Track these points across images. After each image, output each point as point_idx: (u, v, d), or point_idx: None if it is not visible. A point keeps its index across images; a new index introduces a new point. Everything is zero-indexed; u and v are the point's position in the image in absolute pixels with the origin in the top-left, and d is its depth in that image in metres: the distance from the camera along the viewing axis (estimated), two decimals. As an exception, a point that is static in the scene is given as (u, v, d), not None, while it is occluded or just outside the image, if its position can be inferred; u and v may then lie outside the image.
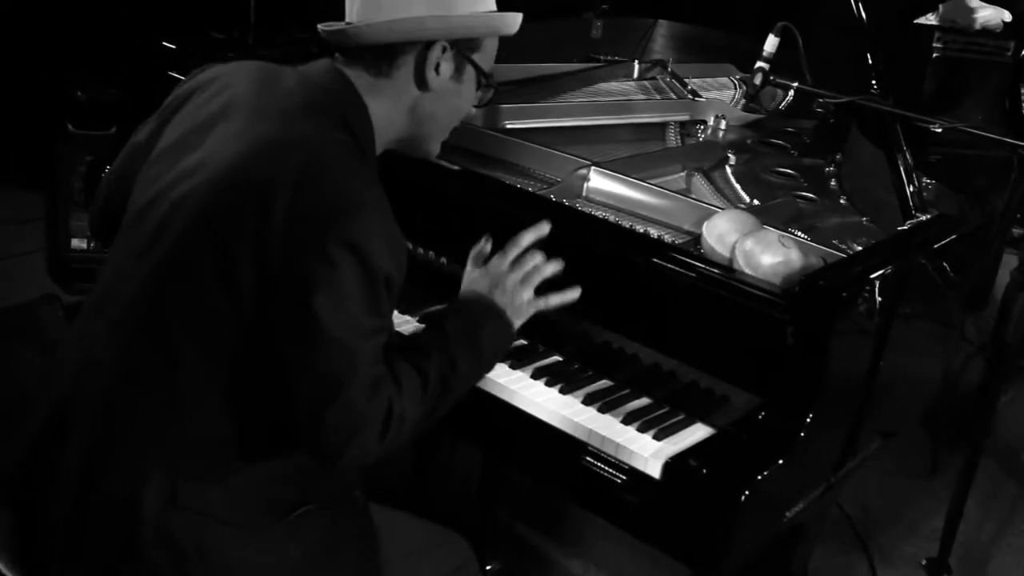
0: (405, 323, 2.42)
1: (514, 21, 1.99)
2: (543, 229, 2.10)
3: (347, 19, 1.93)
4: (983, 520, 3.77)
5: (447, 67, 1.93)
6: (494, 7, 1.98)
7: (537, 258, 2.08)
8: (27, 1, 5.05)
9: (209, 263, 1.75)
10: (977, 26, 4.03)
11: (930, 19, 4.12)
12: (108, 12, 4.92)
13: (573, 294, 2.10)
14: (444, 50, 1.91)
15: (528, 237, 2.09)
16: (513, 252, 2.08)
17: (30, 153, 4.65)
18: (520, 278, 2.06)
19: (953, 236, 2.42)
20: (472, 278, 2.11)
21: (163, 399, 1.79)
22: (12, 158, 5.15)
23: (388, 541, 2.11)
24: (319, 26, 1.96)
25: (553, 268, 2.09)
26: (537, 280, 2.07)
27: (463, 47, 1.94)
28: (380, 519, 2.14)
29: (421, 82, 1.93)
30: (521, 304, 2.05)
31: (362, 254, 1.70)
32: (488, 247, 2.14)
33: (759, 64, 2.55)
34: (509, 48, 3.25)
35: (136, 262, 1.84)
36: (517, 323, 2.05)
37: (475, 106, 2.09)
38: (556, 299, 2.09)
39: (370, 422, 1.76)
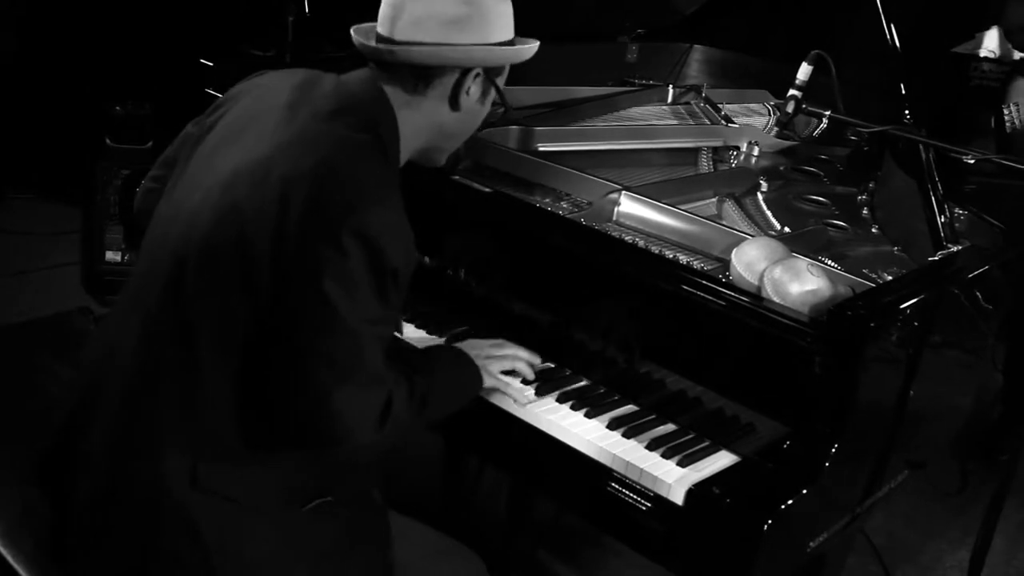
0: (431, 341, 2.43)
1: (533, 50, 2.10)
2: (534, 358, 2.31)
3: (380, 27, 2.00)
4: (1012, 550, 3.74)
5: (476, 90, 2.04)
6: (513, 32, 2.07)
7: (518, 352, 2.29)
8: (67, 19, 5.10)
9: (232, 257, 1.84)
10: (1016, 56, 4.01)
11: (968, 49, 4.12)
12: (146, 29, 4.96)
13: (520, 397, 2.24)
14: (476, 76, 2.02)
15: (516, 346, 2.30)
16: (499, 341, 2.30)
17: (68, 167, 4.71)
18: (498, 355, 2.26)
19: (984, 268, 2.40)
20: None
21: (184, 388, 1.87)
22: (50, 172, 5.20)
23: (404, 546, 2.17)
24: (355, 37, 2.03)
25: (527, 361, 2.28)
26: (508, 365, 2.26)
27: (492, 73, 2.05)
28: (398, 525, 2.20)
29: (454, 103, 2.03)
30: (491, 372, 2.23)
31: (373, 247, 1.79)
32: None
33: (792, 92, 2.54)
34: (546, 71, 3.27)
35: (166, 256, 1.92)
36: (485, 383, 2.21)
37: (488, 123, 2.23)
38: (512, 391, 2.23)
39: (370, 409, 1.86)
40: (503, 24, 2.03)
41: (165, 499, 1.86)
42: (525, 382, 2.28)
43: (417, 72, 1.99)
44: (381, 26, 2.00)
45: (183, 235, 1.91)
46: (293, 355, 1.82)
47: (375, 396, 1.87)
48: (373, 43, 2.00)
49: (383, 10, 2.00)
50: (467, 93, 2.03)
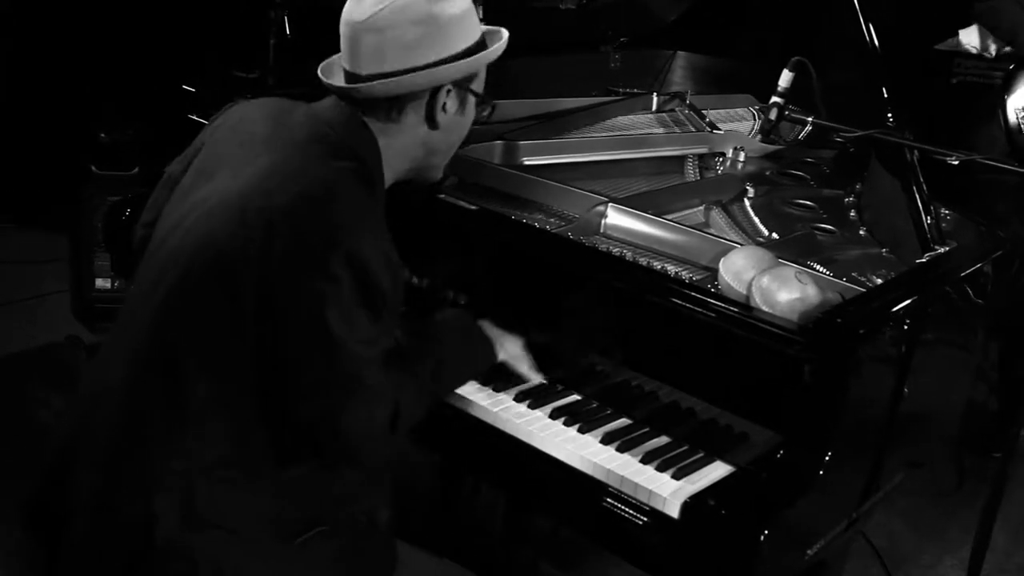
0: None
1: (502, 47, 2.08)
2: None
3: (343, 61, 2.00)
4: (1012, 549, 3.73)
5: (452, 104, 2.04)
6: (479, 33, 2.04)
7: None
8: (51, 46, 5.10)
9: (216, 289, 1.84)
10: (995, 52, 4.02)
11: (950, 45, 4.12)
12: (130, 55, 4.96)
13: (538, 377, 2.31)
14: (448, 91, 2.01)
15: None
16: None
17: (54, 194, 4.69)
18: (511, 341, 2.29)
19: (971, 268, 2.41)
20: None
21: (173, 421, 1.87)
22: (36, 199, 5.19)
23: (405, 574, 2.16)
24: (323, 79, 2.03)
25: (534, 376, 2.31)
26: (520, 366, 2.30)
27: (464, 83, 2.04)
28: (400, 554, 2.18)
29: (431, 123, 2.03)
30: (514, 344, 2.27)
31: (360, 269, 1.81)
32: None
33: (774, 99, 2.55)
34: (529, 83, 3.27)
35: (151, 291, 1.92)
36: (501, 355, 2.25)
37: (478, 122, 2.20)
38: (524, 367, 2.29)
39: (379, 423, 1.90)
40: (463, 29, 1.99)
41: (156, 539, 1.84)
42: (519, 398, 2.27)
43: (388, 103, 1.99)
44: (344, 60, 2.01)
45: (166, 273, 1.91)
46: (300, 387, 1.84)
47: (382, 409, 1.90)
48: (339, 82, 2.00)
49: (343, 44, 2.00)
50: (443, 110, 2.02)
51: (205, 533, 1.86)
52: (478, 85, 2.09)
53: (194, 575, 1.86)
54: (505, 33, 2.09)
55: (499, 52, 2.07)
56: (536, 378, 2.30)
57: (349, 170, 1.92)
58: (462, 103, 2.06)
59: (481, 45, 2.04)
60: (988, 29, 4.00)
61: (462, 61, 1.99)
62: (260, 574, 1.91)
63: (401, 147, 2.03)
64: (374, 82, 1.95)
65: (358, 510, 2.06)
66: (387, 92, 1.96)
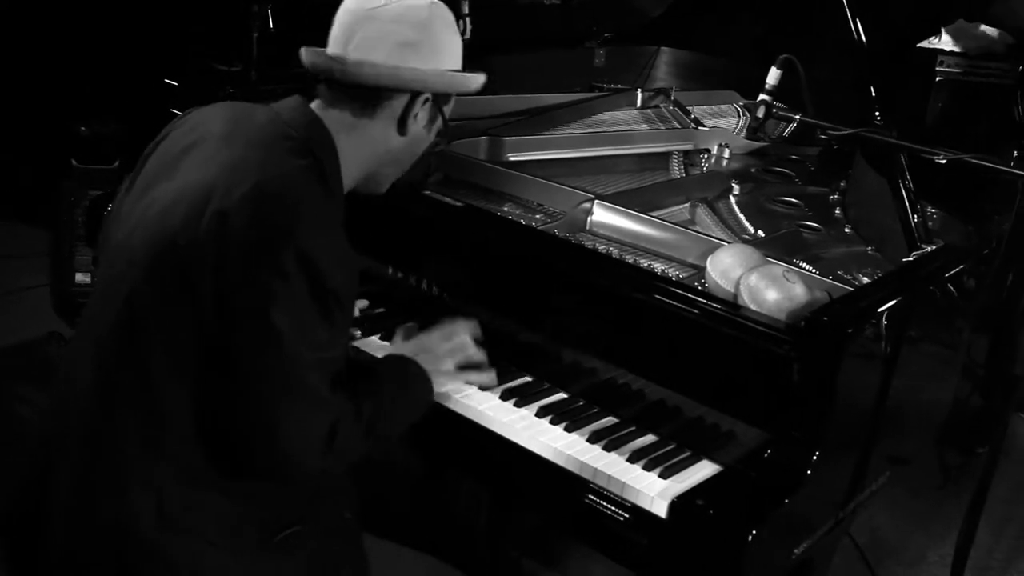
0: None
1: (480, 81, 2.13)
2: (474, 329, 2.28)
3: (331, 48, 2.00)
4: (994, 545, 3.74)
5: (423, 116, 2.06)
6: (460, 64, 2.09)
7: (466, 338, 2.25)
8: (31, 39, 5.06)
9: (175, 286, 1.84)
10: (978, 50, 4.03)
11: (933, 43, 4.13)
12: (111, 48, 4.93)
13: (490, 376, 2.26)
14: (425, 101, 2.03)
15: (461, 325, 2.27)
16: (445, 328, 2.25)
17: (34, 188, 4.66)
18: (449, 349, 2.22)
19: (958, 268, 2.41)
20: (401, 345, 2.29)
21: (141, 422, 1.86)
22: (16, 193, 5.15)
23: (385, 572, 2.19)
24: (304, 55, 2.02)
25: (479, 356, 2.27)
26: (461, 357, 2.24)
27: (441, 100, 2.07)
28: (380, 552, 2.22)
29: (401, 127, 2.05)
30: (445, 372, 2.21)
31: (312, 268, 1.80)
32: (416, 327, 2.35)
33: (762, 97, 2.54)
34: (515, 79, 3.26)
35: (113, 290, 1.91)
36: (438, 388, 2.19)
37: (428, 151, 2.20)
38: (474, 376, 2.25)
39: (315, 436, 1.86)
40: (452, 53, 2.06)
41: (133, 537, 1.85)
42: (505, 396, 2.26)
43: (367, 93, 2.00)
44: (332, 46, 2.01)
45: (127, 271, 1.90)
46: (240, 382, 1.82)
47: (319, 422, 1.86)
48: (325, 59, 2.00)
49: (335, 31, 2.01)
50: (415, 118, 2.04)
51: (181, 535, 1.86)
52: (448, 111, 2.12)
53: (174, 573, 1.86)
54: (484, 75, 2.13)
55: (478, 85, 2.12)
56: (491, 382, 2.27)
57: (308, 168, 1.91)
58: (431, 120, 2.09)
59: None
60: (1008, 31, 4.03)
61: (448, 75, 2.04)
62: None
63: (363, 149, 2.04)
64: (363, 65, 1.96)
65: (325, 511, 2.07)
66: (375, 78, 1.97)
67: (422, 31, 1.98)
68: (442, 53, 2.03)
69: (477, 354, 2.27)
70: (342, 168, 2.00)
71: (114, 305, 1.90)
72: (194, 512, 1.88)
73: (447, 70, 2.04)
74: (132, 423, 1.86)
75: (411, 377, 2.15)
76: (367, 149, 2.04)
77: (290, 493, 1.99)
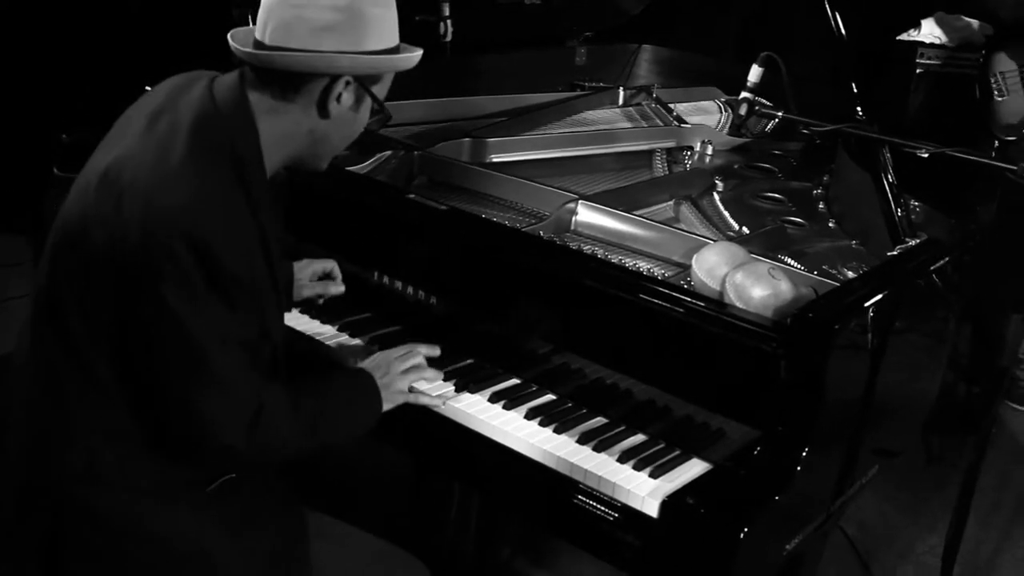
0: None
1: (413, 60, 2.07)
2: (434, 351, 2.33)
3: (256, 32, 1.99)
4: (983, 535, 3.76)
5: (348, 97, 2.01)
6: (396, 39, 2.04)
7: (421, 359, 2.28)
8: (12, 47, 5.04)
9: (83, 260, 1.89)
10: (959, 40, 4.05)
11: (912, 35, 4.15)
12: (92, 56, 4.91)
13: (437, 402, 2.27)
14: (347, 84, 1.99)
15: (420, 348, 2.31)
16: (404, 348, 2.28)
17: (16, 197, 4.64)
18: (403, 369, 2.24)
19: (943, 260, 2.41)
20: (360, 360, 2.31)
21: (72, 389, 1.93)
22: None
23: (335, 551, 2.23)
24: (231, 42, 2.01)
25: (433, 374, 2.30)
26: (415, 377, 2.26)
27: (365, 80, 2.03)
28: (336, 531, 2.28)
29: (322, 110, 2.01)
30: (396, 390, 2.22)
31: (205, 253, 1.82)
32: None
33: (744, 94, 2.55)
34: (496, 79, 3.25)
35: (48, 258, 1.98)
36: (387, 406, 2.21)
37: (369, 131, 2.17)
38: (425, 399, 2.26)
39: (234, 415, 1.91)
40: (381, 31, 1.99)
41: (67, 496, 1.93)
42: (494, 398, 2.26)
43: (285, 78, 1.97)
44: (257, 31, 1.99)
45: (57, 237, 1.96)
46: (149, 360, 1.87)
47: (238, 402, 1.91)
48: (246, 48, 1.98)
49: (259, 14, 1.99)
50: (337, 101, 1.99)
51: (112, 490, 1.93)
52: (379, 90, 2.07)
53: (101, 524, 1.94)
54: (419, 51, 2.09)
55: (407, 64, 2.06)
56: (437, 401, 2.27)
57: (217, 152, 1.91)
58: (358, 100, 2.04)
59: (393, 52, 2.03)
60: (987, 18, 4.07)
61: (366, 58, 1.97)
62: (171, 519, 1.98)
63: (285, 130, 2.01)
64: (274, 53, 1.94)
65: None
66: (284, 65, 1.94)
67: (341, 12, 1.92)
68: (366, 34, 1.96)
69: (432, 375, 2.30)
70: (264, 151, 1.98)
71: (44, 273, 1.97)
72: (125, 469, 1.94)
73: (373, 50, 1.98)
74: (64, 389, 1.93)
75: (361, 388, 2.18)
76: (290, 131, 2.01)
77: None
